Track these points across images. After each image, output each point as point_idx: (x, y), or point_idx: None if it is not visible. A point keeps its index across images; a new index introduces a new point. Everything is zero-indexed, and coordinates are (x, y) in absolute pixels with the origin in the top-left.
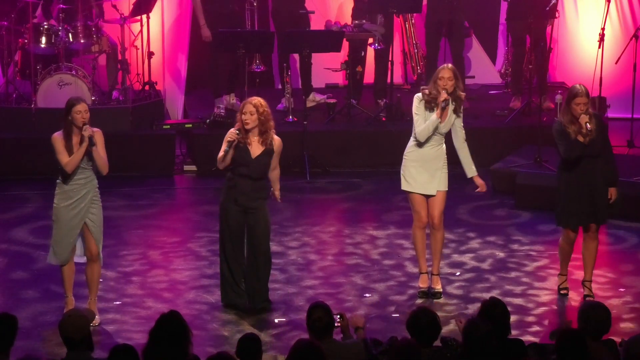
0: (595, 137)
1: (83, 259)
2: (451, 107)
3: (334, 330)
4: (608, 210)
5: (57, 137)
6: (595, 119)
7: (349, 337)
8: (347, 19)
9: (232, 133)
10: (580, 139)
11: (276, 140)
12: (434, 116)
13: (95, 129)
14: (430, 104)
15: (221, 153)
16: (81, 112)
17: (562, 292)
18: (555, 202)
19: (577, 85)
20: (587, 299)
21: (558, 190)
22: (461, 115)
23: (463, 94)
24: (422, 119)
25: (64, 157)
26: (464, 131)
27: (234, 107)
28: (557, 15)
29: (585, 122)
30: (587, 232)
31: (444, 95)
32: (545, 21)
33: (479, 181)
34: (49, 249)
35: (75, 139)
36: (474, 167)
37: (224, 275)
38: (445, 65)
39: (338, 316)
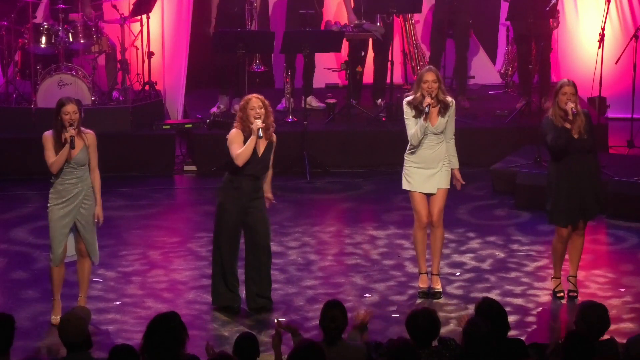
0: (585, 133)
1: (74, 258)
2: (447, 112)
3: None
4: (597, 207)
5: (48, 136)
6: (585, 116)
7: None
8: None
9: (257, 123)
10: (567, 126)
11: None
12: (421, 121)
13: (88, 131)
14: (418, 108)
15: (247, 148)
16: (69, 112)
17: (558, 295)
18: (545, 200)
19: (564, 79)
20: (571, 294)
21: (548, 187)
22: (449, 114)
23: (448, 98)
24: (413, 123)
25: (50, 157)
26: (453, 131)
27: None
28: (557, 15)
29: (571, 108)
30: (575, 229)
31: (427, 100)
32: (548, 21)
33: (456, 175)
34: (49, 250)
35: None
36: (455, 160)
37: (217, 277)
38: (429, 67)
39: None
